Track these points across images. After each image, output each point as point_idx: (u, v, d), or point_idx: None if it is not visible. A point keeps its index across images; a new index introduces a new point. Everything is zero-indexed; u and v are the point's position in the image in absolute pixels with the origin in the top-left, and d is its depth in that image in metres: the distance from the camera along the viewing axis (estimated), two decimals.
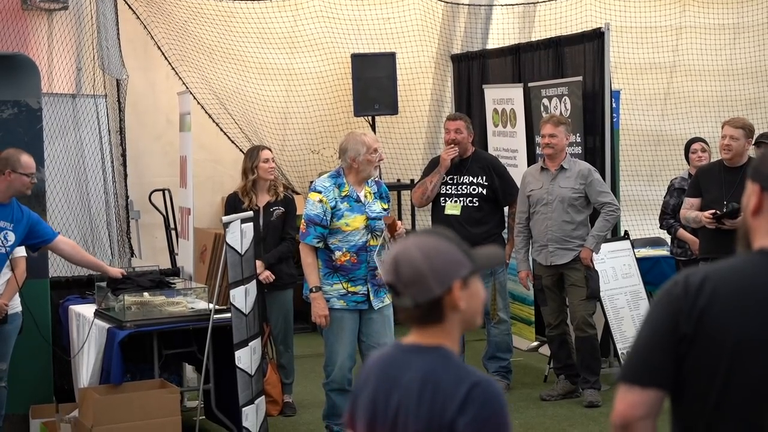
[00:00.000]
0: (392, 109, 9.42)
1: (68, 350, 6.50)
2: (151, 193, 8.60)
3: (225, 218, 5.87)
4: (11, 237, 5.78)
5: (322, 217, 5.82)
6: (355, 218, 5.86)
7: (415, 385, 2.27)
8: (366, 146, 5.88)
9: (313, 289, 5.88)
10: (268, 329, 7.03)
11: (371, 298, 5.88)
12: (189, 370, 6.93)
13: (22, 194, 5.86)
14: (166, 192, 8.54)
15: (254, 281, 6.13)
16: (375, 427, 2.30)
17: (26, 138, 6.73)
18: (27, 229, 5.84)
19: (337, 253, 5.85)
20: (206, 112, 9.05)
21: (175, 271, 7.43)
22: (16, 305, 5.99)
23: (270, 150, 7.03)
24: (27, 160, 5.84)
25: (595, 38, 7.80)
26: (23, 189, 5.82)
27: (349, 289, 5.86)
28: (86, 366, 6.11)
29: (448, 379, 2.26)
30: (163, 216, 8.55)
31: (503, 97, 8.55)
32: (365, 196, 5.94)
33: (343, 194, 5.88)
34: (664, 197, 7.83)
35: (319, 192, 5.88)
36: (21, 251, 6.00)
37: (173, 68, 8.94)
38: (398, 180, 9.70)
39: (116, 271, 6.16)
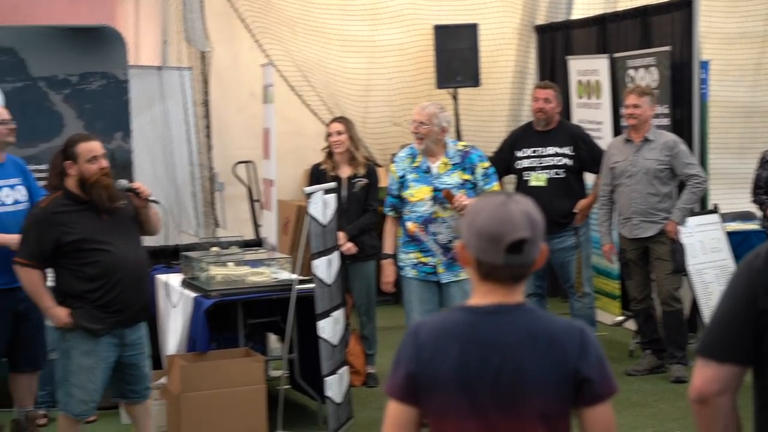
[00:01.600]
0: (474, 81, 9.34)
1: (155, 319, 6.61)
2: (235, 165, 8.68)
3: (307, 189, 5.89)
4: (23, 191, 5.77)
5: (393, 187, 5.99)
6: (420, 189, 5.89)
7: (524, 343, 2.27)
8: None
9: (383, 256, 6.10)
10: (351, 300, 7.07)
11: (439, 270, 5.87)
12: (273, 339, 6.99)
13: (5, 144, 5.73)
14: (250, 164, 8.61)
15: (337, 252, 6.15)
16: (473, 393, 2.27)
17: (113, 109, 6.86)
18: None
19: (408, 224, 5.92)
20: (289, 85, 9.08)
21: (258, 242, 7.50)
22: None
23: (342, 122, 7.02)
24: None
25: (684, 7, 7.61)
26: (2, 139, 5.70)
27: (420, 259, 5.92)
28: (173, 334, 6.21)
29: (560, 331, 2.32)
30: (247, 188, 8.63)
31: (588, 69, 8.42)
32: (439, 167, 5.92)
33: (414, 165, 5.95)
34: (756, 170, 7.63)
35: (394, 162, 6.06)
36: None
37: (256, 41, 8.98)
38: None
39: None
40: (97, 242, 4.98)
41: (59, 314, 5.05)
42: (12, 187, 5.69)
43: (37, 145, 6.70)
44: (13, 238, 5.44)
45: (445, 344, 2.30)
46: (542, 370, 2.26)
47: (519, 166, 7.17)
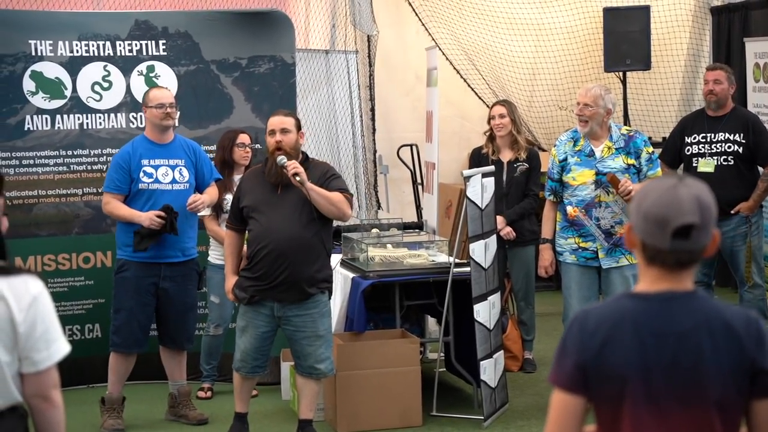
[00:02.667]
0: (645, 64, 9.10)
1: None
2: (399, 148, 8.75)
3: (466, 172, 5.89)
4: (185, 172, 5.93)
5: (554, 170, 5.92)
6: (582, 172, 5.78)
7: (701, 331, 2.23)
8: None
9: (541, 241, 6.06)
10: (509, 285, 7.03)
11: (600, 256, 5.76)
12: (431, 322, 7.02)
13: (162, 128, 5.88)
14: (414, 147, 8.67)
15: (494, 236, 6.13)
16: (649, 381, 2.23)
17: (280, 92, 7.00)
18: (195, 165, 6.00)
19: (569, 208, 5.83)
20: (454, 68, 9.08)
21: (419, 225, 7.54)
22: None
23: (504, 105, 6.97)
24: (155, 93, 5.93)
25: None
26: (158, 121, 5.86)
27: (580, 245, 5.81)
28: (332, 313, 6.31)
29: (735, 319, 2.25)
30: (410, 171, 8.69)
31: (766, 51, 8.07)
32: (602, 151, 5.80)
33: (577, 149, 5.84)
34: None
35: (555, 146, 5.99)
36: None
37: (423, 24, 9.01)
38: (649, 138, 9.32)
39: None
40: (258, 212, 5.26)
41: (227, 283, 5.40)
42: (173, 167, 5.90)
43: (207, 126, 6.93)
44: (141, 215, 5.71)
45: (617, 332, 2.26)
46: (720, 359, 2.22)
47: (688, 152, 6.95)
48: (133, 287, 5.80)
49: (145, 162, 5.83)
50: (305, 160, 5.35)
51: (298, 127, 5.37)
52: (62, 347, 2.61)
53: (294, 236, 5.19)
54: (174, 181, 5.87)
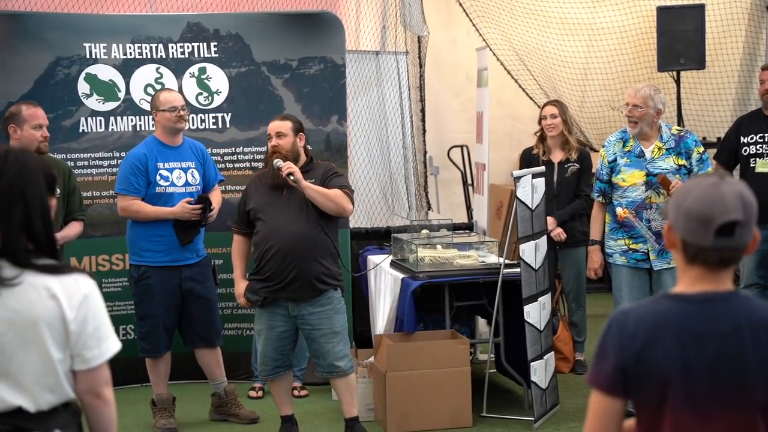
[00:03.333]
0: (699, 63, 8.98)
1: (367, 298, 6.77)
2: (450, 149, 8.73)
3: (516, 173, 5.86)
4: (196, 174, 5.98)
5: (602, 171, 5.88)
6: (633, 174, 5.73)
7: (742, 332, 2.21)
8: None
9: (590, 242, 6.03)
10: (560, 286, 6.98)
11: (651, 257, 5.70)
12: (482, 323, 7.00)
13: (175, 130, 5.92)
14: (464, 148, 8.65)
15: (545, 237, 6.09)
16: (690, 385, 2.21)
17: (330, 93, 7.02)
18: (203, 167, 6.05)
19: (618, 209, 5.78)
20: (505, 69, 9.05)
21: (469, 226, 7.52)
22: None
23: (556, 105, 6.94)
24: (167, 96, 5.95)
25: None
26: (172, 124, 5.89)
27: (630, 246, 5.76)
28: (382, 314, 6.33)
29: None
30: (461, 172, 8.67)
31: None
32: (653, 152, 5.74)
33: (626, 149, 5.79)
34: None
35: (604, 147, 5.95)
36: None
37: (473, 24, 8.99)
38: (704, 138, 9.25)
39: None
40: (263, 213, 5.33)
41: (237, 288, 5.46)
42: (185, 169, 5.96)
43: (258, 128, 6.96)
44: (175, 210, 5.78)
45: (657, 333, 2.23)
46: (764, 361, 2.19)
47: (745, 153, 6.85)
48: (158, 293, 5.84)
49: (160, 165, 5.90)
50: (309, 162, 5.42)
51: (297, 130, 5.41)
52: (113, 345, 2.64)
53: (299, 234, 5.24)
54: (187, 183, 5.94)
